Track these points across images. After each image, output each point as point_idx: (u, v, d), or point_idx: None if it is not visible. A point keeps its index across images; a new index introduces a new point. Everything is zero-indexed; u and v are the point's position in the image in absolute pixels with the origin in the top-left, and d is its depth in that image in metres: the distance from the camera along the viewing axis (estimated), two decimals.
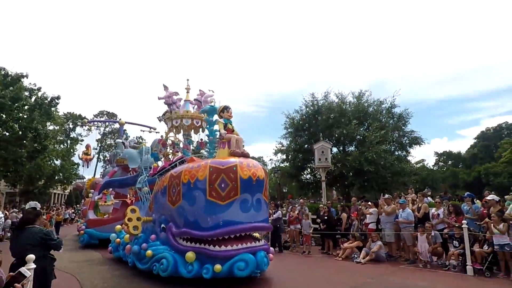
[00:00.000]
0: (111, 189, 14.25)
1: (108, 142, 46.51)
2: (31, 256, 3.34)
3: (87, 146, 20.79)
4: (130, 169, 13.87)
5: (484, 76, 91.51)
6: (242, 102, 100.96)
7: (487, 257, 7.08)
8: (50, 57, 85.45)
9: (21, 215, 3.81)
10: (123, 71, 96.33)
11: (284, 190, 29.78)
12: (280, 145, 21.13)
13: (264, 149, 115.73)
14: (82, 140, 38.39)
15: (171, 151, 9.72)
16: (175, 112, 9.45)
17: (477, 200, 9.98)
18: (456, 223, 7.99)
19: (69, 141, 36.26)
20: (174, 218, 6.38)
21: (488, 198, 8.52)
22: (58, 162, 27.53)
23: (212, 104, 7.67)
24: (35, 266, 3.31)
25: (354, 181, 17.64)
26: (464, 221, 7.65)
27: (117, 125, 24.74)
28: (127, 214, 7.41)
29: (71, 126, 41.79)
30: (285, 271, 7.67)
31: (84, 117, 39.45)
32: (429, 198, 12.50)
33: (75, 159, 28.86)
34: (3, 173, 20.40)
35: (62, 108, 38.90)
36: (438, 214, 8.82)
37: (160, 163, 10.60)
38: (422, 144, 19.01)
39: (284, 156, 21.10)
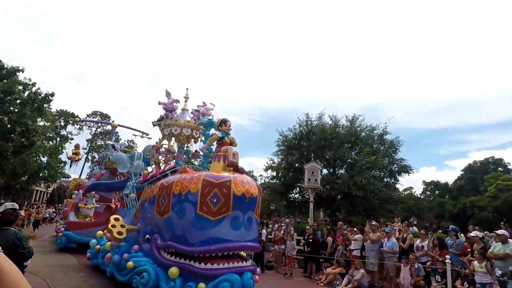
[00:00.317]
0: (93, 192, 13.93)
1: (98, 143, 45.83)
2: None
3: (77, 146, 20.39)
4: (118, 173, 13.68)
5: (474, 109, 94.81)
6: (237, 114, 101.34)
7: None
8: (49, 54, 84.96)
9: None
10: (119, 75, 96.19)
11: (271, 207, 29.60)
12: (271, 162, 21.16)
13: (255, 163, 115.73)
14: (72, 139, 37.74)
15: (163, 158, 9.55)
16: (176, 120, 9.28)
17: (461, 234, 10.13)
18: (439, 257, 8.06)
19: (58, 139, 35.56)
20: (161, 230, 6.16)
21: (471, 234, 8.66)
22: (44, 159, 26.88)
23: (210, 117, 7.65)
24: None
25: (342, 204, 17.69)
26: (447, 256, 7.72)
27: (109, 127, 24.39)
28: (110, 221, 7.20)
29: (62, 123, 41.15)
30: None
31: (77, 116, 38.90)
32: (414, 227, 12.62)
33: (63, 157, 28.27)
34: None
35: (56, 105, 38.45)
36: (423, 246, 8.90)
37: (149, 169, 10.45)
38: (411, 173, 19.30)
39: (274, 173, 21.10)
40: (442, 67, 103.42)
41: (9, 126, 18.78)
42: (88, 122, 33.81)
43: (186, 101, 9.87)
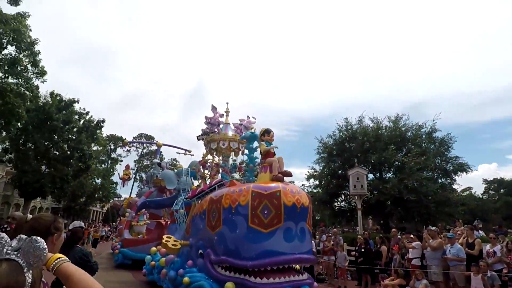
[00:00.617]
0: (144, 209, 14.63)
1: (144, 163, 48.53)
2: None
3: (127, 166, 21.78)
4: (166, 190, 14.26)
5: None
6: (273, 126, 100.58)
7: None
8: (97, 83, 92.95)
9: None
10: (158, 96, 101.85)
11: (316, 217, 28.84)
12: (313, 170, 20.76)
13: (295, 173, 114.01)
14: (121, 161, 40.49)
15: (209, 173, 9.75)
16: (224, 134, 9.43)
17: None
18: None
19: (109, 161, 38.37)
20: (213, 244, 6.13)
21: None
22: (98, 181, 29.16)
23: (252, 130, 7.69)
24: None
25: (393, 210, 16.68)
26: None
27: (154, 147, 25.82)
28: (163, 239, 7.43)
29: (112, 147, 44.35)
30: None
31: (125, 139, 41.75)
32: (480, 231, 11.45)
33: (114, 178, 30.40)
34: (50, 189, 21.92)
35: (106, 131, 41.65)
36: (495, 252, 8.00)
37: (196, 183, 10.68)
38: (468, 171, 17.70)
39: (317, 182, 20.62)
40: (486, 56, 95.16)
41: (68, 152, 20.79)
42: (135, 144, 36.03)
43: (227, 115, 10.06)
